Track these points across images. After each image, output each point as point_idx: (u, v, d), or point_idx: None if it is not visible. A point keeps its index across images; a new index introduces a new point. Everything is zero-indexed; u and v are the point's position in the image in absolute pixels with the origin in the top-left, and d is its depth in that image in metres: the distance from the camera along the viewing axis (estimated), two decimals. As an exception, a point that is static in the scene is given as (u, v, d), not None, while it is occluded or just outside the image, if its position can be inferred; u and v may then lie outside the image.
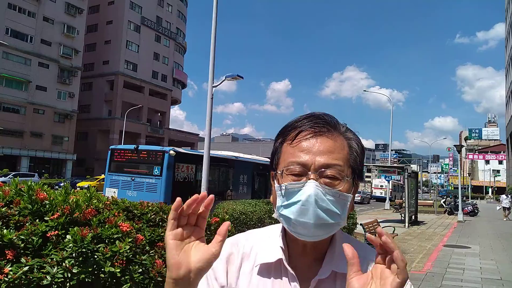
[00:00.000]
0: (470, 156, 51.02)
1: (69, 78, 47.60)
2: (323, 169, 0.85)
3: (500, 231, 17.55)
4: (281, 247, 0.91)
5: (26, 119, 43.39)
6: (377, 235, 0.72)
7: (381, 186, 45.77)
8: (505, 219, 24.04)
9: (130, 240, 1.78)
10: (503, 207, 25.09)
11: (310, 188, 0.83)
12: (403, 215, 18.80)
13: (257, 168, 19.72)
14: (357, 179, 0.91)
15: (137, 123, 53.86)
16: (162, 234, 2.15)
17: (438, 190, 53.67)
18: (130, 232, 1.87)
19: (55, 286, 1.60)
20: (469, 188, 38.41)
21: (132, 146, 15.24)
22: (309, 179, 0.84)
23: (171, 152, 13.79)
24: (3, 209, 1.70)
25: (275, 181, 0.90)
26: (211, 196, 0.77)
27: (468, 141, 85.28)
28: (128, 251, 1.69)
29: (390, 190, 37.62)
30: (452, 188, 50.76)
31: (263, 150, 60.31)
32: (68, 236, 1.62)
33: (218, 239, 0.76)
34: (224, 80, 13.06)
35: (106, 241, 1.77)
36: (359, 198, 40.85)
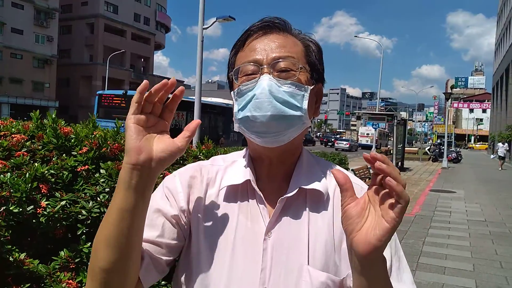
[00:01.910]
0: (455, 105, 51.73)
1: (46, 20, 45.13)
2: (275, 61, 0.80)
3: (483, 176, 18.24)
4: (248, 168, 0.86)
5: (4, 64, 41.54)
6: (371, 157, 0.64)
7: (367, 134, 46.36)
8: (500, 169, 22.20)
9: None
10: (499, 156, 23.18)
11: (264, 81, 0.78)
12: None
13: None
14: (317, 78, 0.87)
15: (120, 69, 52.25)
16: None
17: (422, 138, 55.00)
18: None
19: (89, 221, 1.54)
20: (453, 136, 39.30)
21: (120, 92, 15.27)
22: (263, 74, 0.79)
23: None
24: (27, 143, 1.59)
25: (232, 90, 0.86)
26: (181, 87, 0.72)
27: (454, 89, 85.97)
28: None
29: (376, 138, 38.18)
30: (436, 137, 51.92)
31: (250, 98, 59.64)
32: (102, 171, 1.54)
33: (186, 134, 0.73)
34: (215, 21, 12.56)
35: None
36: (348, 146, 41.37)
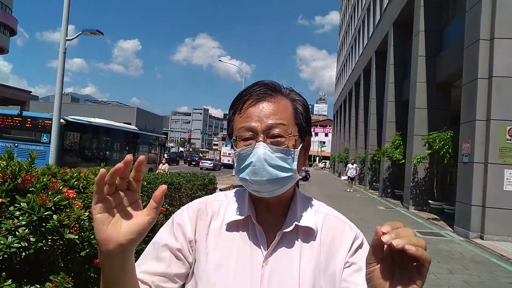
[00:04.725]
0: (304, 129, 58.89)
1: None
2: (269, 130, 0.93)
3: (328, 193, 20.86)
4: (249, 206, 1.00)
5: None
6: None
7: (229, 153, 48.33)
8: (349, 190, 21.69)
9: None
10: (348, 177, 22.24)
11: (259, 150, 0.92)
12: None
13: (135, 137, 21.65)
14: (305, 135, 1.01)
15: None
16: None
17: None
18: (74, 198, 1.82)
19: (5, 256, 1.52)
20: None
21: (15, 112, 14.97)
22: (258, 142, 0.93)
23: (62, 120, 13.68)
24: None
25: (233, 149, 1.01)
26: (141, 157, 0.72)
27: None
28: (86, 217, 1.67)
29: (237, 157, 40.01)
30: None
31: (109, 113, 55.02)
32: (23, 204, 1.52)
33: (153, 205, 0.73)
34: (81, 34, 11.80)
35: (53, 208, 1.71)
36: (212, 165, 42.22)
